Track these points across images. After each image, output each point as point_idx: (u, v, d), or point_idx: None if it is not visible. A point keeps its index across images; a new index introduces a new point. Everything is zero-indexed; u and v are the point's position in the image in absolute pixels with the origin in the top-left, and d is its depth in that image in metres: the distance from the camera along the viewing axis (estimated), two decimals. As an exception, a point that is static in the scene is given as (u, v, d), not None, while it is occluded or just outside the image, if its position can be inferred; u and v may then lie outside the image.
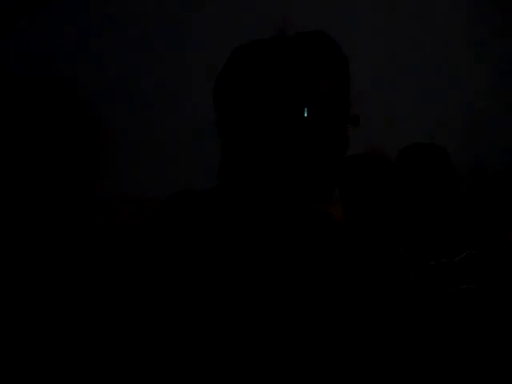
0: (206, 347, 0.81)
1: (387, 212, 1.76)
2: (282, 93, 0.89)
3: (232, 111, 0.93)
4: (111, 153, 1.49)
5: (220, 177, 0.97)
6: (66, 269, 1.22)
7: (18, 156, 1.34)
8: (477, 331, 1.69)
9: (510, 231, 2.06)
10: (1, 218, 1.24)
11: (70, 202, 1.33)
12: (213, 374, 0.81)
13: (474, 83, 2.61)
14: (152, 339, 0.82)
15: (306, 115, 0.88)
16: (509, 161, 2.44)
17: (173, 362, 0.82)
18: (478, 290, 1.75)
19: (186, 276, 0.82)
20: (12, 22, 1.33)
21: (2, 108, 1.34)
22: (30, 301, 1.19)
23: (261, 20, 1.77)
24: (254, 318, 0.84)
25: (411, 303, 1.63)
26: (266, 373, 0.83)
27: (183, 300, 0.82)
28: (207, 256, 0.84)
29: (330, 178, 0.92)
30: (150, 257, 0.84)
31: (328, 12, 1.93)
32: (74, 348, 1.16)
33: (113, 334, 0.85)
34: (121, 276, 0.86)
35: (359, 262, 1.03)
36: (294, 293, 0.88)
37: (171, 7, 1.66)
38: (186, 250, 0.84)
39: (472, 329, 1.69)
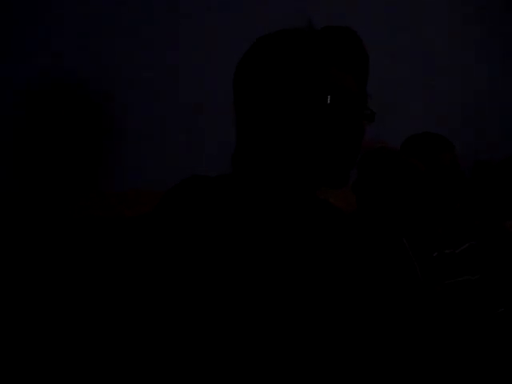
0: (207, 342, 0.81)
1: (396, 204, 1.75)
2: (304, 80, 0.91)
3: (252, 96, 0.94)
4: (111, 146, 1.48)
5: (235, 162, 0.98)
6: (65, 263, 1.22)
7: (21, 151, 1.34)
8: (479, 321, 1.69)
9: (509, 221, 2.06)
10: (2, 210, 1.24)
11: (71, 195, 1.33)
12: (213, 370, 0.81)
13: (476, 72, 2.61)
14: (152, 335, 0.81)
15: (328, 102, 0.90)
16: (509, 151, 2.44)
17: (172, 360, 0.81)
18: (480, 281, 1.76)
19: (194, 269, 0.83)
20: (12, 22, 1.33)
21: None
22: (27, 296, 1.18)
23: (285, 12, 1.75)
24: (256, 314, 0.84)
25: (415, 295, 1.63)
26: (267, 370, 0.83)
27: (189, 293, 0.82)
28: (215, 249, 0.85)
29: (345, 163, 0.94)
30: (159, 249, 0.84)
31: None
32: (73, 346, 1.15)
33: (113, 330, 0.84)
34: (125, 270, 0.86)
35: (364, 254, 1.04)
36: (297, 287, 0.89)
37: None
38: (196, 242, 0.84)
39: (474, 319, 1.69)
